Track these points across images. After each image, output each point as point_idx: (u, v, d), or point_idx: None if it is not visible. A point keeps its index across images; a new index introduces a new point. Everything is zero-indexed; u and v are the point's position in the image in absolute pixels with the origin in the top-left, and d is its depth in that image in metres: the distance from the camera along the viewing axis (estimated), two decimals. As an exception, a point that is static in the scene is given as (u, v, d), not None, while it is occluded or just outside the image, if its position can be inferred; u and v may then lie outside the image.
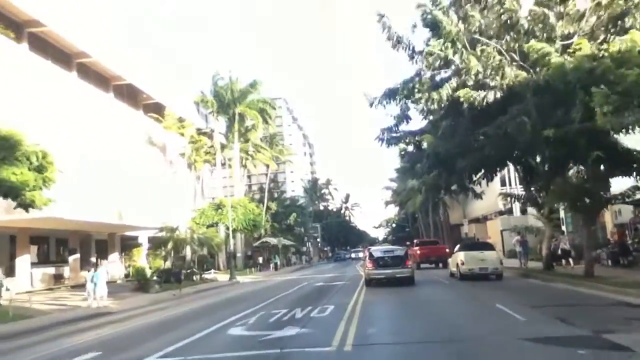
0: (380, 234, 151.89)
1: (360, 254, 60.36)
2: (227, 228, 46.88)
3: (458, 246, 24.46)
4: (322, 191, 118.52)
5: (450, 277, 23.64)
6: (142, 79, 45.42)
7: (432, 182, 24.92)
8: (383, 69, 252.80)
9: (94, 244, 43.55)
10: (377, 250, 22.67)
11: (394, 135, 21.74)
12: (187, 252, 54.26)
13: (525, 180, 22.35)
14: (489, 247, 22.89)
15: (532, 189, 23.11)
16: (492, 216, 42.94)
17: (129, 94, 45.62)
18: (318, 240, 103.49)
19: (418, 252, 35.12)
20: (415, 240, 42.27)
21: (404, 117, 21.02)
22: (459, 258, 21.49)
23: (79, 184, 34.86)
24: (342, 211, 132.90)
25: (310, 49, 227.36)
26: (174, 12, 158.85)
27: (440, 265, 33.39)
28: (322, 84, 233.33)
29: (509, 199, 31.32)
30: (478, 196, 31.73)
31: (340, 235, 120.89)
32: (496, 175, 21.43)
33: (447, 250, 34.04)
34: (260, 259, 51.47)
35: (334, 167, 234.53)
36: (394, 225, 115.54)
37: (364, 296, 17.12)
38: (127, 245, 44.79)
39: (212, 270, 45.40)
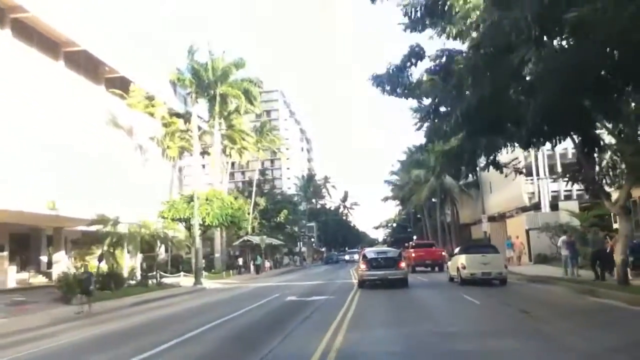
0: (380, 235, 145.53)
1: (356, 256, 53.52)
2: (201, 223, 40.17)
3: (458, 248, 22.98)
4: (320, 188, 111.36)
5: (450, 282, 22.01)
6: (103, 48, 38.64)
7: (457, 150, 17.60)
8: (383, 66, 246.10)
9: (45, 240, 37.14)
10: (370, 252, 22.39)
11: (400, 78, 14.80)
12: (162, 251, 48.05)
13: (587, 153, 15.33)
14: (493, 249, 21.23)
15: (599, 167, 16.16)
16: (514, 213, 36.11)
17: (87, 65, 38.90)
18: (313, 240, 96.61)
19: (413, 254, 32.87)
20: (410, 243, 39.84)
21: (415, 54, 14.15)
22: (460, 261, 19.97)
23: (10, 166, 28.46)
24: (340, 210, 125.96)
25: (310, 46, 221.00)
26: (174, 12, 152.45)
27: (437, 269, 31.88)
28: (321, 83, 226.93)
29: (542, 188, 24.81)
30: (518, 172, 23.36)
31: (338, 236, 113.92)
32: (559, 141, 14.09)
33: (443, 253, 32.97)
34: (241, 260, 44.62)
35: (333, 166, 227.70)
36: (394, 225, 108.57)
37: (346, 333, 10.14)
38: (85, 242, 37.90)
39: (182, 273, 38.69)
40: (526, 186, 32.91)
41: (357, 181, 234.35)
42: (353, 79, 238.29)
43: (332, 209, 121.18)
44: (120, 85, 42.26)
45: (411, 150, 48.38)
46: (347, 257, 69.69)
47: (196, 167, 52.10)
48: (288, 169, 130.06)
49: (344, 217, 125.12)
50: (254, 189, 63.90)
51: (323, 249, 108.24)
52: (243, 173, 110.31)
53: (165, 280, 32.80)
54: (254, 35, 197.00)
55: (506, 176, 19.58)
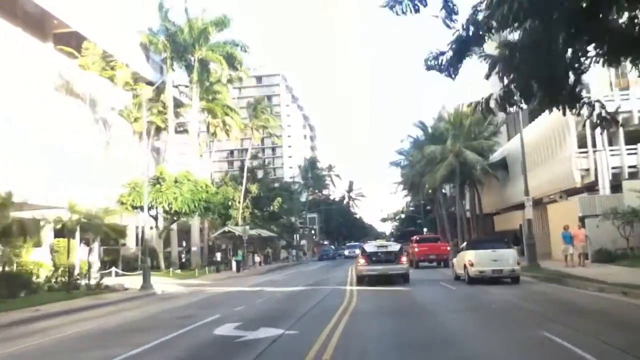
0: (388, 228, 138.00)
1: (357, 251, 45.95)
2: (167, 210, 33.07)
3: (465, 244, 21.56)
4: (323, 178, 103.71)
5: (455, 280, 19.90)
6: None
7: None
8: (389, 58, 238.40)
9: None
10: (370, 246, 21.49)
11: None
12: (131, 243, 40.98)
13: None
14: (504, 243, 19.44)
15: None
16: (557, 197, 28.51)
17: (27, 17, 31.64)
18: (313, 232, 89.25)
19: (416, 249, 31.49)
20: (414, 237, 37.15)
21: None
22: (467, 258, 18.11)
23: None
24: (345, 201, 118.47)
25: (313, 32, 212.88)
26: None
27: (442, 264, 30.34)
28: (325, 69, 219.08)
29: (600, 163, 17.40)
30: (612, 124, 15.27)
31: (343, 228, 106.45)
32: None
33: (449, 248, 31.86)
34: (219, 256, 37.37)
35: (338, 156, 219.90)
36: (402, 216, 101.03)
37: None
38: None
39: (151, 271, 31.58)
40: (578, 161, 25.27)
41: (363, 172, 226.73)
42: (359, 65, 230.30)
43: (337, 200, 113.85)
44: (76, 45, 34.98)
45: (422, 126, 40.75)
46: (346, 252, 60.01)
47: (173, 147, 44.93)
48: (290, 157, 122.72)
49: (350, 209, 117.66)
50: (245, 173, 56.58)
51: (326, 243, 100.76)
52: (243, 161, 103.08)
53: (112, 281, 25.65)
54: (255, 19, 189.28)
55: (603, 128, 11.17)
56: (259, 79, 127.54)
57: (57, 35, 33.91)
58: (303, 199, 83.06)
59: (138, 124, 38.81)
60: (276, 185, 63.74)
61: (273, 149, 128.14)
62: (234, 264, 36.67)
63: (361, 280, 19.39)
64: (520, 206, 35.67)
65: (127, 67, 36.05)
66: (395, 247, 20.68)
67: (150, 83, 42.92)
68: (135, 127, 38.85)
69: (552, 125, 27.22)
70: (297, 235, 66.65)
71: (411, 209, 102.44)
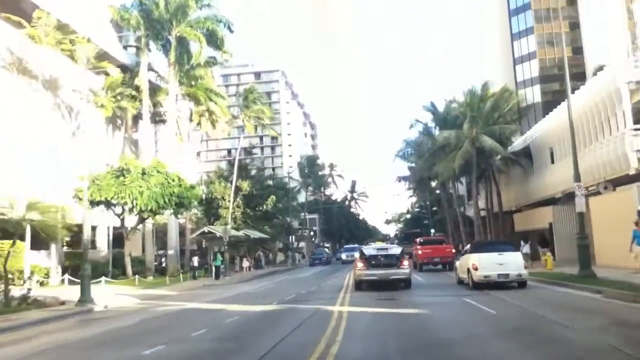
0: (392, 230, 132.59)
1: (357, 254, 40.45)
2: (132, 206, 28.13)
3: (468, 246, 19.91)
4: (324, 178, 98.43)
5: (459, 284, 18.84)
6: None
7: None
8: (392, 53, 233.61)
9: None
10: (369, 248, 20.12)
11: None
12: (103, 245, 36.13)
13: None
14: (509, 246, 18.32)
15: None
16: (600, 188, 23.19)
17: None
18: (312, 233, 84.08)
19: (420, 252, 30.71)
20: (418, 239, 35.63)
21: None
22: (471, 261, 17.06)
23: None
24: (348, 201, 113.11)
25: (313, 30, 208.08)
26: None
27: (447, 267, 29.23)
28: (325, 66, 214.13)
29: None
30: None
31: (345, 230, 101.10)
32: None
33: (453, 250, 30.66)
34: (195, 260, 32.20)
35: (340, 156, 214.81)
36: (408, 216, 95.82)
37: None
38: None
39: (103, 278, 26.74)
40: (635, 140, 20.03)
41: (366, 173, 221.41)
42: (361, 63, 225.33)
43: (339, 200, 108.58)
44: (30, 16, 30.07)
45: (433, 109, 35.22)
46: (343, 256, 51.61)
47: (150, 138, 39.98)
48: (290, 156, 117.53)
49: (352, 209, 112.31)
50: (235, 169, 51.47)
51: (327, 245, 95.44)
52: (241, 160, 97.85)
53: (57, 292, 20.70)
54: (255, 15, 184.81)
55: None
56: (257, 75, 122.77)
57: (2, 2, 28.99)
58: (302, 198, 77.94)
59: (106, 109, 33.88)
60: (270, 182, 58.48)
61: (272, 148, 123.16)
62: (218, 268, 31.50)
63: (359, 285, 18.41)
64: (547, 202, 30.54)
65: (89, 42, 30.95)
66: (396, 250, 19.46)
67: (124, 66, 38.06)
68: (104, 112, 33.85)
69: (596, 97, 22.05)
70: (293, 237, 61.31)
71: (416, 210, 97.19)
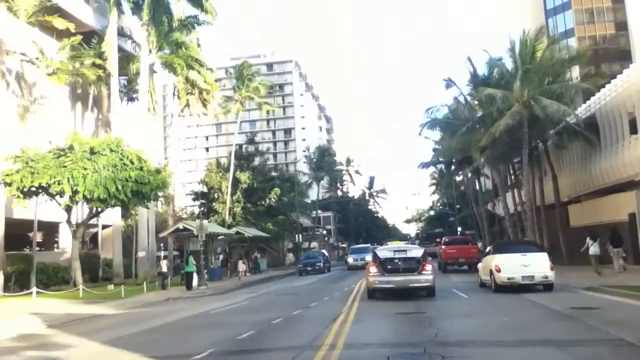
0: (413, 229, 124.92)
1: (368, 257, 32.41)
2: (72, 194, 21.63)
3: (490, 247, 19.32)
4: (340, 174, 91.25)
5: (481, 287, 17.80)
6: None
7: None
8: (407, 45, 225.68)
9: None
10: (384, 250, 16.92)
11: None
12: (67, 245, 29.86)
13: None
14: (534, 247, 18.40)
15: None
16: None
17: None
18: (325, 232, 77.12)
19: (443, 252, 29.59)
20: (443, 239, 34.85)
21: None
22: (494, 263, 16.20)
23: None
24: (366, 199, 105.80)
25: (340, 25, 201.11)
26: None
27: (473, 268, 25.96)
28: (345, 63, 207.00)
29: None
30: None
31: (362, 229, 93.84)
32: None
33: (478, 251, 28.78)
34: (164, 265, 25.29)
35: (359, 153, 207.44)
36: (432, 213, 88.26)
37: None
38: None
39: (34, 289, 20.37)
40: None
41: (385, 171, 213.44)
42: (379, 57, 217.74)
43: (356, 197, 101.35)
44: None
45: (470, 67, 26.90)
46: (350, 260, 38.74)
47: (125, 117, 33.48)
48: (304, 151, 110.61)
49: (370, 207, 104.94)
50: (232, 159, 44.86)
51: (344, 245, 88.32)
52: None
53: None
54: (269, 6, 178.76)
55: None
56: (269, 66, 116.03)
57: None
58: (314, 194, 70.95)
59: (59, 77, 27.47)
60: (275, 174, 51.68)
61: (285, 143, 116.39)
62: (194, 277, 24.64)
63: (372, 294, 15.69)
64: (621, 187, 23.09)
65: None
66: (416, 251, 16.43)
67: (91, 32, 31.68)
68: (57, 79, 27.43)
69: None
70: (300, 236, 54.29)
71: (439, 207, 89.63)
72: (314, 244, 71.44)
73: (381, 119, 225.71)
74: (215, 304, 17.93)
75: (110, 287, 25.18)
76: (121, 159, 22.44)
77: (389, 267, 15.03)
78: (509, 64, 24.30)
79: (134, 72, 32.71)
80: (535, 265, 15.64)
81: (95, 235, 35.01)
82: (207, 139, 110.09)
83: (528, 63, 22.61)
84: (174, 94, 35.91)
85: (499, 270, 15.86)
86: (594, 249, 21.29)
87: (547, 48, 22.68)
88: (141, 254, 28.33)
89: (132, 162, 22.66)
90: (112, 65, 30.16)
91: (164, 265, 24.60)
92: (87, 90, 32.57)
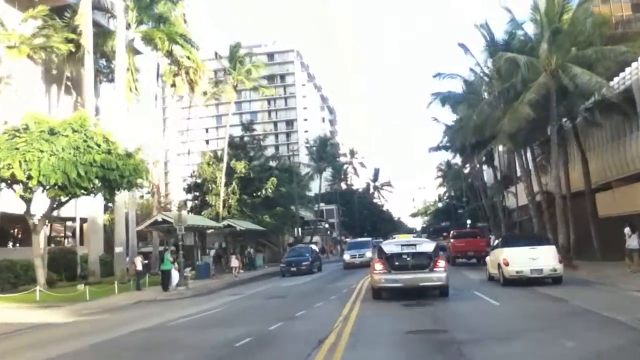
0: (419, 223, 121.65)
1: (368, 254, 28.28)
2: (24, 182, 18.70)
3: (498, 241, 19.08)
4: (344, 168, 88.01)
5: (489, 281, 17.59)
6: None
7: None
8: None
9: None
10: (390, 244, 14.88)
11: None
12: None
13: None
14: (543, 240, 17.79)
15: None
16: None
17: None
18: (327, 226, 74.13)
19: (452, 245, 29.71)
20: (451, 232, 34.44)
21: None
22: (502, 256, 16.13)
23: None
24: (371, 192, 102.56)
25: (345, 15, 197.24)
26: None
27: (481, 261, 24.81)
28: (348, 53, 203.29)
29: None
30: None
31: (367, 223, 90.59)
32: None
33: (486, 244, 28.45)
34: (138, 262, 22.23)
35: (363, 145, 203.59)
36: (440, 205, 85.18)
37: None
38: None
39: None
40: None
41: (390, 164, 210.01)
42: (383, 48, 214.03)
43: (360, 190, 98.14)
44: None
45: (487, 32, 22.67)
46: (347, 257, 31.87)
47: (93, 95, 30.51)
48: (306, 143, 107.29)
49: (375, 200, 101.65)
50: (226, 146, 41.85)
51: (347, 239, 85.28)
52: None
53: None
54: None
55: None
56: (270, 55, 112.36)
57: None
58: (316, 187, 67.74)
59: (20, 50, 24.42)
60: (272, 164, 48.56)
61: (287, 134, 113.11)
62: (174, 275, 21.60)
63: (378, 294, 13.88)
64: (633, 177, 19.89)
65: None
66: (427, 245, 14.39)
67: (65, 6, 28.64)
68: (17, 52, 24.39)
69: None
70: (299, 230, 51.14)
71: (446, 200, 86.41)
72: (316, 238, 68.39)
73: (384, 112, 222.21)
74: (186, 309, 14.92)
75: (80, 287, 22.23)
76: (85, 141, 19.41)
77: (397, 263, 13.43)
78: (530, 31, 20.93)
79: (113, 49, 29.65)
80: (543, 258, 15.52)
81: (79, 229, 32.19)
82: (207, 131, 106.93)
83: (556, 23, 19.23)
84: (158, 74, 32.75)
85: (507, 264, 15.75)
86: (633, 242, 18.32)
87: (578, 6, 19.24)
88: (117, 249, 25.36)
89: (98, 145, 19.64)
90: (87, 40, 27.08)
91: (139, 263, 21.58)
92: (63, 71, 29.72)
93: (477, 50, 25.53)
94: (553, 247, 16.31)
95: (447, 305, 11.91)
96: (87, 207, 27.27)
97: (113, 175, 19.57)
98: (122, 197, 26.06)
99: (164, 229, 23.90)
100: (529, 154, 27.44)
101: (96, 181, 19.32)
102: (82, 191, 19.48)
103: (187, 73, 33.83)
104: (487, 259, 19.03)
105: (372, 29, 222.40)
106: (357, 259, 30.36)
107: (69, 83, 31.69)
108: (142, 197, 44.57)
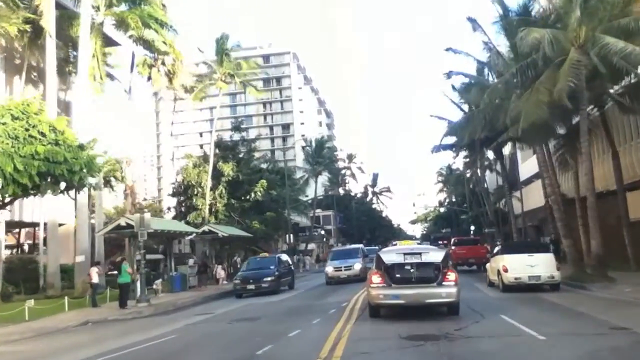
0: (418, 231, 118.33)
1: (357, 265, 24.11)
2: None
3: (498, 248, 19.43)
4: (342, 173, 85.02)
5: (489, 287, 18.11)
6: None
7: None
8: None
9: None
10: (390, 253, 12.48)
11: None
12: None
13: None
14: (541, 247, 18.57)
15: None
16: None
17: None
18: (324, 232, 70.87)
19: (453, 252, 28.75)
20: (452, 239, 35.34)
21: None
22: (501, 263, 16.55)
23: None
24: (369, 197, 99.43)
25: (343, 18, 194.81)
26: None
27: (482, 268, 25.17)
28: (347, 56, 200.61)
29: None
30: None
31: (366, 229, 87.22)
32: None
33: (486, 252, 27.89)
34: (95, 274, 19.00)
35: (361, 151, 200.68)
36: (441, 210, 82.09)
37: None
38: None
39: None
40: None
41: (390, 171, 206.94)
42: (384, 52, 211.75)
43: (358, 195, 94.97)
44: None
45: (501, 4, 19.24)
46: (329, 270, 25.48)
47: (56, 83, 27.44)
48: (304, 146, 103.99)
49: (374, 206, 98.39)
50: (212, 146, 38.72)
51: (345, 247, 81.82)
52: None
53: None
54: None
55: None
56: (266, 58, 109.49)
57: None
58: (311, 191, 64.50)
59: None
60: (263, 166, 45.37)
61: (283, 139, 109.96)
62: (137, 287, 18.40)
63: (376, 312, 12.06)
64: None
65: None
66: (435, 254, 11.91)
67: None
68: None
69: None
70: (291, 236, 47.74)
71: (447, 206, 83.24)
72: (312, 246, 65.07)
73: (384, 116, 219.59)
74: (130, 336, 11.71)
75: (30, 302, 19.00)
76: (27, 130, 16.27)
77: (398, 275, 11.43)
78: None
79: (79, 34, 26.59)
80: (541, 265, 15.88)
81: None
82: (201, 136, 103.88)
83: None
84: (132, 65, 29.61)
85: (506, 271, 16.15)
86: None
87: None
88: (79, 258, 22.17)
89: (43, 134, 16.49)
90: (49, 23, 24.01)
91: (95, 275, 18.32)
92: (24, 59, 26.71)
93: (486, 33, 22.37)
94: (551, 255, 16.44)
95: (470, 343, 8.62)
96: (61, 211, 24.27)
97: (60, 169, 16.37)
98: (84, 197, 22.97)
99: (128, 234, 20.74)
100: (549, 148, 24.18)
101: (37, 178, 16.09)
102: (20, 189, 16.24)
103: (163, 64, 30.82)
104: (488, 265, 19.43)
105: (372, 31, 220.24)
106: (342, 272, 24.90)
107: (34, 74, 28.80)
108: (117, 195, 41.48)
